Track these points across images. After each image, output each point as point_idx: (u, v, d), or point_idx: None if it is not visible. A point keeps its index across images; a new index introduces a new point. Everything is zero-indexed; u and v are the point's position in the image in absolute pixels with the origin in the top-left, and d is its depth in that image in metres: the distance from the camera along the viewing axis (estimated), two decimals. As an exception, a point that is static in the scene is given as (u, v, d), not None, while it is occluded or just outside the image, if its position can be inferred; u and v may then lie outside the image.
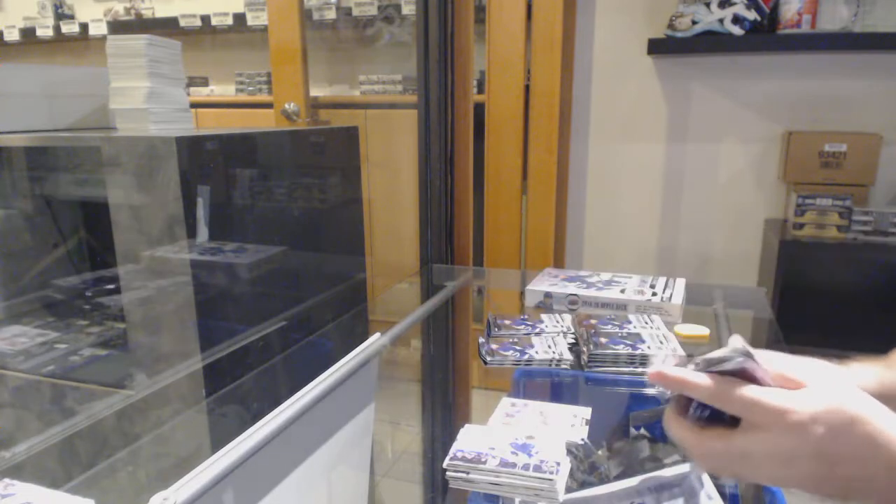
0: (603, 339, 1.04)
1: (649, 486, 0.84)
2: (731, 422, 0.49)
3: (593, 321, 1.13)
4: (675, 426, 0.53)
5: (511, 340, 1.09)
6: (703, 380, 0.49)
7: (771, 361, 0.51)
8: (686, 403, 0.53)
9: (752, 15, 2.04)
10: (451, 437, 0.79)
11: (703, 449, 0.50)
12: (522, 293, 1.32)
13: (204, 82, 3.37)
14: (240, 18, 3.14)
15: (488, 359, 1.04)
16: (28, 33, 3.55)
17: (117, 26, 3.41)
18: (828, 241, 2.01)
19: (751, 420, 0.47)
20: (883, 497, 0.45)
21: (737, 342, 0.50)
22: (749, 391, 0.48)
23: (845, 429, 0.45)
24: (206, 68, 3.38)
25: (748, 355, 0.48)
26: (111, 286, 1.38)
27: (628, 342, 1.03)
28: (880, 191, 2.17)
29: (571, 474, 0.78)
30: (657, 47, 2.22)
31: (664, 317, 1.16)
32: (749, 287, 2.21)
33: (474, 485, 0.74)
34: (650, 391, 1.08)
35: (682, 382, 0.50)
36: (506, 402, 0.96)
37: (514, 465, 0.73)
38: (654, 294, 1.21)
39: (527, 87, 2.42)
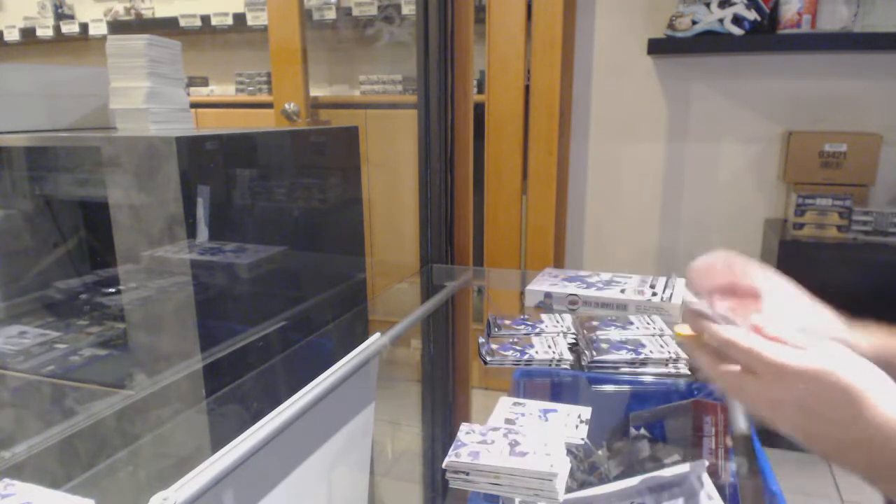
0: (604, 345, 1.03)
1: (649, 486, 0.84)
2: None
3: (595, 322, 1.13)
4: (697, 352, 0.59)
5: (511, 340, 1.09)
6: (716, 328, 0.56)
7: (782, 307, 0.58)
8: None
9: (752, 15, 2.04)
10: (451, 437, 0.79)
11: (715, 371, 0.56)
12: (522, 293, 1.32)
13: (204, 82, 3.37)
14: (240, 18, 3.14)
15: (488, 359, 1.04)
16: (28, 33, 3.55)
17: (117, 26, 3.41)
18: (828, 241, 2.01)
19: (749, 367, 0.52)
20: (866, 469, 0.48)
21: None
22: (749, 341, 0.52)
23: (830, 392, 0.48)
24: (206, 68, 3.38)
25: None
26: (111, 286, 1.38)
27: (629, 347, 1.03)
28: (880, 191, 2.16)
29: (571, 474, 0.78)
30: (657, 47, 2.22)
31: (664, 317, 1.16)
32: (749, 287, 2.21)
33: (474, 485, 0.74)
34: (650, 389, 1.08)
35: (703, 325, 0.57)
36: (505, 401, 0.96)
37: (514, 466, 0.73)
38: (654, 294, 1.21)
39: (527, 87, 2.42)
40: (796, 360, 0.50)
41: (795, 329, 0.54)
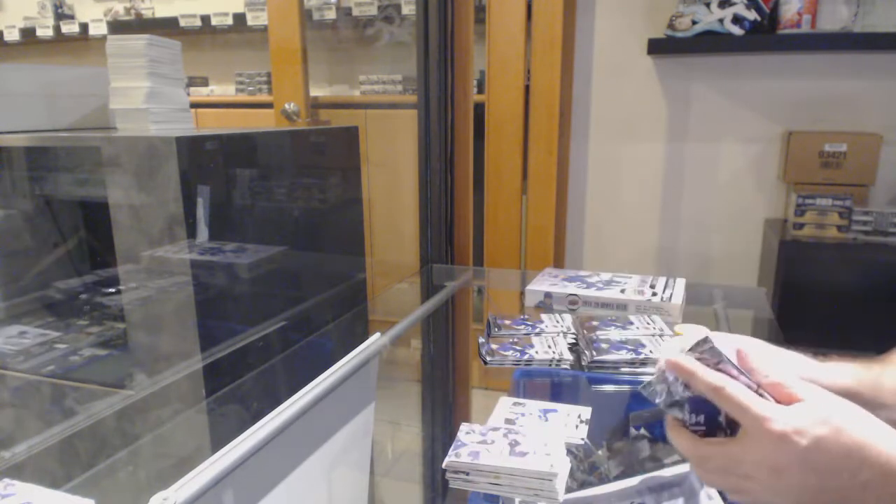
0: (604, 345, 1.03)
1: (649, 486, 0.84)
2: (728, 433, 0.52)
3: (595, 322, 1.13)
4: (675, 432, 0.55)
5: (511, 340, 1.08)
6: (708, 376, 0.52)
7: (752, 353, 0.54)
8: (683, 414, 0.55)
9: (752, 15, 2.04)
10: (451, 437, 0.79)
11: (699, 452, 0.53)
12: (522, 293, 1.32)
13: (204, 82, 3.37)
14: (240, 18, 3.14)
15: (488, 359, 1.04)
16: (28, 33, 3.55)
17: (117, 26, 3.41)
18: (828, 241, 2.01)
19: (743, 425, 0.50)
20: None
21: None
22: (743, 395, 0.50)
23: (831, 439, 0.46)
24: (206, 68, 3.38)
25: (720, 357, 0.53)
26: (111, 286, 1.38)
27: (629, 347, 1.03)
28: (880, 191, 2.16)
29: (571, 474, 0.78)
30: (657, 47, 2.22)
31: (664, 317, 1.16)
32: (749, 287, 2.21)
33: (474, 485, 0.74)
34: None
35: (690, 374, 0.53)
36: (505, 402, 0.96)
37: (514, 466, 0.73)
38: (654, 294, 1.21)
39: (527, 87, 2.42)
40: (790, 414, 0.48)
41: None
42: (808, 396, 0.49)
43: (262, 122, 3.00)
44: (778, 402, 0.50)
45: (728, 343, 0.57)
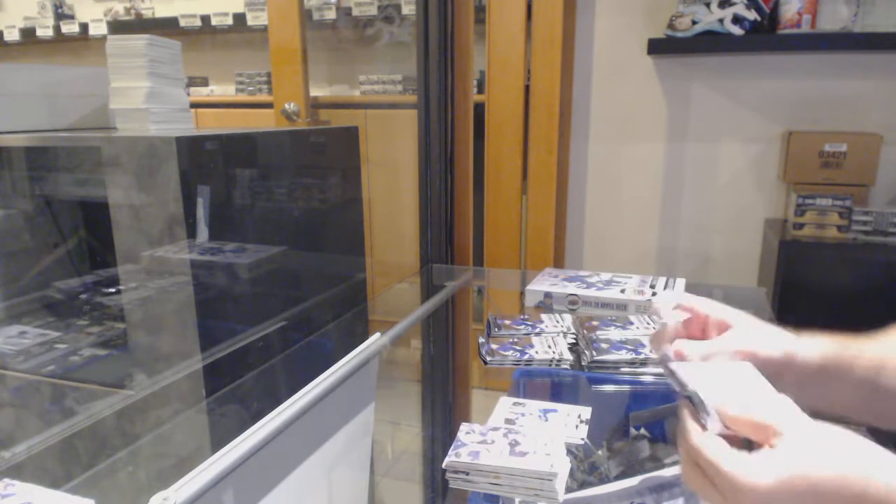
0: (604, 345, 1.03)
1: (649, 486, 0.84)
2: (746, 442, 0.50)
3: (595, 322, 1.13)
4: (688, 430, 0.54)
5: (511, 340, 1.09)
6: (688, 438, 0.52)
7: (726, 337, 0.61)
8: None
9: (752, 15, 2.04)
10: (451, 437, 0.79)
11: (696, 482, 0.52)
12: (522, 293, 1.32)
13: (204, 82, 3.37)
14: (240, 18, 3.14)
15: (488, 359, 1.04)
16: (28, 33, 3.55)
17: (117, 26, 3.41)
18: (828, 241, 2.01)
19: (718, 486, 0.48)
20: None
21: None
22: (715, 460, 0.48)
23: (808, 497, 0.45)
24: (206, 68, 3.38)
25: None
26: (111, 286, 1.38)
27: (629, 347, 1.03)
28: (880, 191, 2.16)
29: (571, 474, 0.78)
30: (657, 47, 2.22)
31: (664, 317, 1.16)
32: (749, 287, 2.21)
33: (474, 485, 0.74)
34: (650, 389, 1.08)
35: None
36: (505, 402, 0.96)
37: (514, 466, 0.73)
38: (654, 294, 1.21)
39: (527, 87, 2.42)
40: (765, 473, 0.46)
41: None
42: (784, 428, 0.48)
43: (262, 122, 3.00)
44: (753, 440, 0.49)
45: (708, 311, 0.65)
